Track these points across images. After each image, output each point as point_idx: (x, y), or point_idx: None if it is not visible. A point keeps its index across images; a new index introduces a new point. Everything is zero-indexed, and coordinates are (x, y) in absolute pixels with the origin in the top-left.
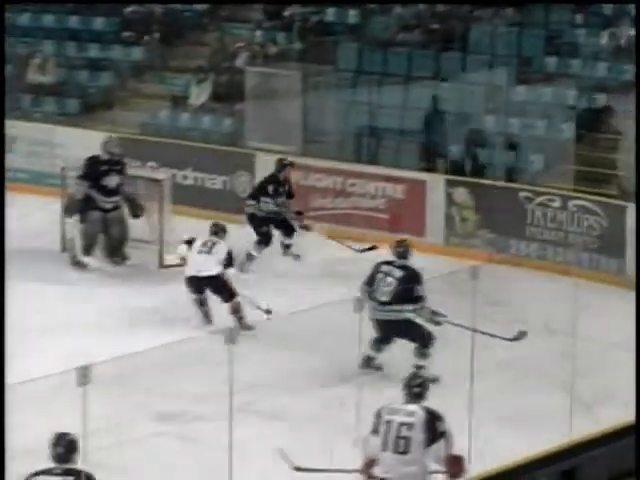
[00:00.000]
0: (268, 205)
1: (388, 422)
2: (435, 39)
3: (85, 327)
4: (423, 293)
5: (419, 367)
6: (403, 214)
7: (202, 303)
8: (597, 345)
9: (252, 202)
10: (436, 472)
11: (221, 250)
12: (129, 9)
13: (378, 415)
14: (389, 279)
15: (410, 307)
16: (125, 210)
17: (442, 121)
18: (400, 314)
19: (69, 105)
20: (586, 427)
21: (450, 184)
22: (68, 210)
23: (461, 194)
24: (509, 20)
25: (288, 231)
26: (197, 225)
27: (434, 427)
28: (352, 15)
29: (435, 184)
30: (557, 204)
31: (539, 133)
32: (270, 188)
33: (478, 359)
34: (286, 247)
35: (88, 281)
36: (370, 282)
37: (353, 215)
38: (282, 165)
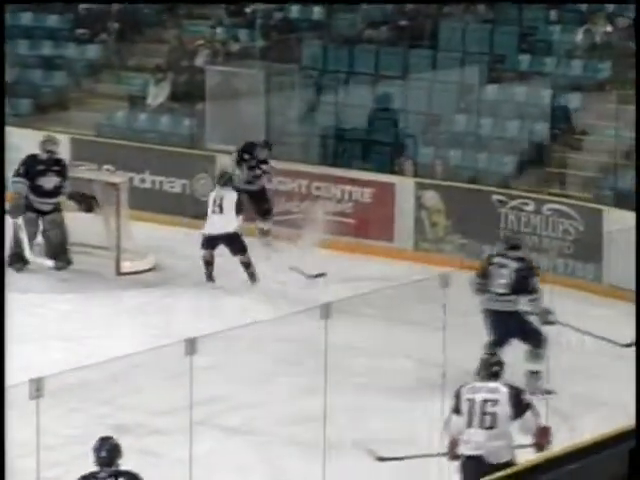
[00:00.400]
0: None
1: (470, 400)
2: (403, 36)
3: (38, 336)
4: (538, 285)
5: (534, 373)
6: (371, 218)
7: (209, 262)
8: (574, 354)
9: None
10: (521, 446)
11: (230, 201)
12: (84, 5)
13: (457, 395)
14: (504, 271)
15: (526, 299)
16: (64, 214)
17: (390, 120)
18: (515, 305)
19: (21, 106)
20: (565, 438)
21: (420, 187)
22: (13, 211)
23: (431, 198)
24: (481, 17)
25: (263, 208)
26: (155, 230)
27: (520, 400)
28: (317, 12)
29: (404, 187)
30: (531, 208)
31: (512, 134)
32: (246, 156)
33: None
34: (263, 234)
35: (42, 288)
36: (483, 275)
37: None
38: (264, 143)
